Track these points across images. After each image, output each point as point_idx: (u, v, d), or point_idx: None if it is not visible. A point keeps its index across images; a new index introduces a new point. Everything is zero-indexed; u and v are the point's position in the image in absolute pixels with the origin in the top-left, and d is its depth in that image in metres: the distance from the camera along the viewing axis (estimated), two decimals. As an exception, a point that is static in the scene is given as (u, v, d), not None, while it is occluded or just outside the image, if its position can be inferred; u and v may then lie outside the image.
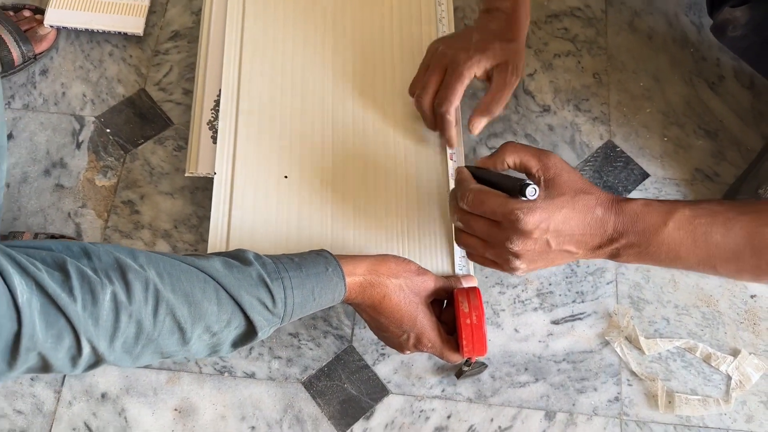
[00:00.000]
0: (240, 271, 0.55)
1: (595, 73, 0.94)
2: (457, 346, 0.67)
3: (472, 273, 0.73)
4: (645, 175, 0.88)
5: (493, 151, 0.64)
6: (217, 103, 0.79)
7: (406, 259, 0.66)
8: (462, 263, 0.73)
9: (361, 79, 0.80)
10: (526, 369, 0.78)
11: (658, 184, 0.88)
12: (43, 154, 0.86)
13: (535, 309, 0.81)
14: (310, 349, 0.77)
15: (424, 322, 0.65)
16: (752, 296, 0.82)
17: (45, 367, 0.47)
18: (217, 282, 0.53)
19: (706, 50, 0.96)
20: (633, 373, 0.78)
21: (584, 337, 0.79)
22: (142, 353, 0.51)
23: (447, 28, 0.85)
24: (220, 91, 0.79)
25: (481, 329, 0.64)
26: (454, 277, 0.71)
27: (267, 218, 0.72)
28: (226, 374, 0.76)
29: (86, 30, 0.91)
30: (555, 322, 0.80)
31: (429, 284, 0.66)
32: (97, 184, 0.84)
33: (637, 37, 0.97)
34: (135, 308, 0.48)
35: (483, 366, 0.75)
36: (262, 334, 0.57)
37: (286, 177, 0.74)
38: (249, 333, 0.56)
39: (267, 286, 0.56)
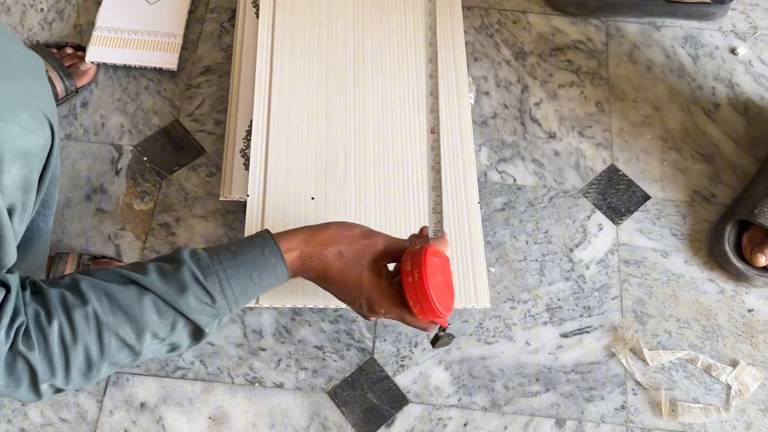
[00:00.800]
0: (173, 276, 0.55)
1: (597, 102, 1.00)
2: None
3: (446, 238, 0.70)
4: (646, 197, 0.94)
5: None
6: (249, 132, 0.85)
7: (349, 223, 0.64)
8: (437, 229, 0.79)
9: (381, 107, 0.87)
10: (537, 379, 0.83)
11: (658, 205, 0.93)
12: (85, 181, 0.92)
13: (545, 323, 0.86)
14: (335, 360, 0.83)
15: (371, 288, 0.62)
16: (749, 310, 0.87)
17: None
18: (153, 293, 0.54)
19: (702, 80, 1.03)
20: (638, 383, 0.82)
21: (591, 349, 0.85)
22: (98, 373, 0.54)
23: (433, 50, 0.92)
24: (251, 121, 0.85)
25: (424, 286, 0.59)
26: (413, 236, 0.68)
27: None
28: (256, 384, 0.81)
29: (124, 65, 0.98)
30: (564, 335, 0.85)
31: (376, 247, 0.63)
32: (135, 208, 0.91)
33: (637, 68, 1.03)
34: (80, 340, 0.52)
35: (450, 337, 0.68)
36: (210, 329, 0.58)
37: (312, 198, 0.80)
38: (197, 331, 0.57)
39: (201, 284, 0.55)
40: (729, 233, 0.88)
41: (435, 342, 0.67)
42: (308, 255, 0.61)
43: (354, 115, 0.86)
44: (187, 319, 0.56)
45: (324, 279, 0.63)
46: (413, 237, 0.67)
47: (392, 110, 0.87)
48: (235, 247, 0.59)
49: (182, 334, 0.57)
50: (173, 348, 0.58)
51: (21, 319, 0.49)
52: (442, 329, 0.66)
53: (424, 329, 0.65)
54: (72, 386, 0.53)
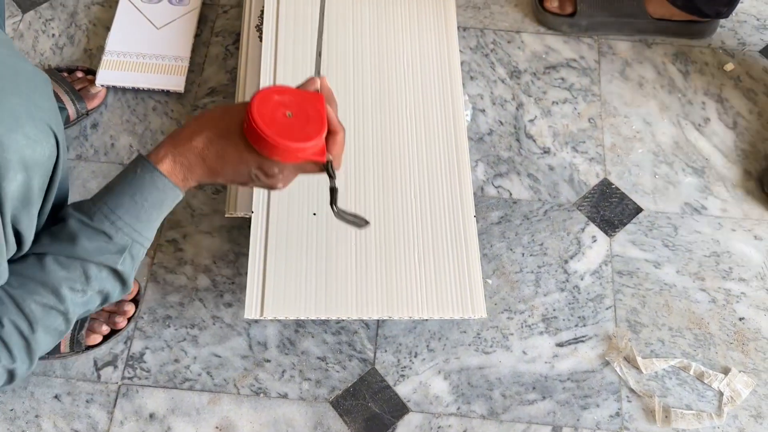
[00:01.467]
0: (61, 231, 0.57)
1: (590, 118, 1.04)
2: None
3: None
4: (638, 210, 0.97)
5: None
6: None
7: (206, 110, 0.64)
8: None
9: (380, 129, 0.90)
10: (533, 388, 0.85)
11: (650, 217, 0.96)
12: (95, 199, 0.96)
13: (541, 333, 0.88)
14: (337, 371, 0.85)
15: (252, 154, 0.60)
16: (741, 319, 0.89)
17: None
18: (49, 255, 0.56)
19: (692, 95, 1.06)
20: (632, 391, 0.85)
21: (586, 357, 0.87)
22: (37, 344, 0.57)
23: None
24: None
25: (252, 125, 0.57)
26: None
27: (298, 251, 0.81)
28: (261, 395, 0.84)
29: (133, 88, 1.02)
30: (559, 345, 0.88)
31: (239, 116, 0.61)
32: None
33: (629, 85, 1.07)
34: (5, 317, 0.55)
35: (362, 220, 0.67)
36: (124, 266, 0.58)
37: (314, 214, 0.83)
38: (113, 272, 0.58)
39: (89, 225, 0.57)
40: None
41: (333, 199, 0.64)
42: (180, 154, 0.60)
43: (354, 135, 0.89)
44: (94, 263, 0.57)
45: (211, 171, 0.61)
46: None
47: (390, 134, 0.90)
48: (111, 182, 0.60)
49: (100, 280, 0.58)
50: (104, 297, 0.59)
51: None
52: (327, 170, 0.63)
53: (312, 172, 0.64)
54: (21, 365, 0.56)
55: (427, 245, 0.83)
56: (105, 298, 0.60)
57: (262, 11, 0.97)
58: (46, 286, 0.56)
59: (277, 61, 0.93)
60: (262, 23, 0.97)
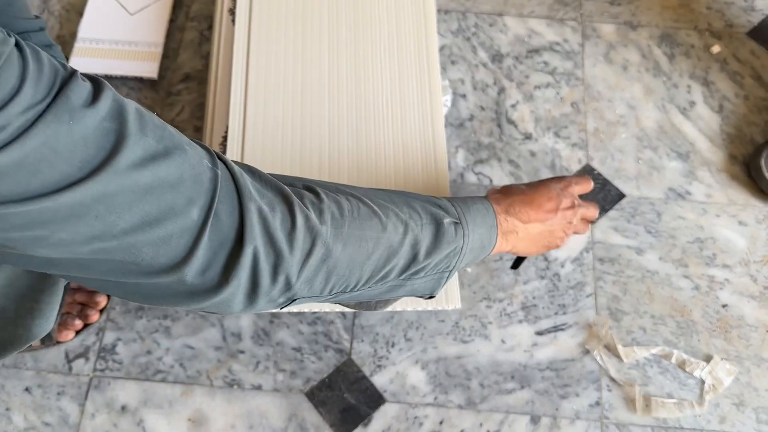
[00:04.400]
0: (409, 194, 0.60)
1: (573, 103, 1.02)
2: None
3: None
4: (621, 196, 0.95)
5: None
6: (225, 138, 0.87)
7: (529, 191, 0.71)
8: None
9: (356, 116, 0.88)
10: (512, 377, 0.84)
11: (633, 203, 0.94)
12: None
13: (521, 321, 0.87)
14: (312, 362, 0.84)
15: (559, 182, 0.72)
16: (724, 306, 0.88)
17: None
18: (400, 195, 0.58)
19: (677, 78, 1.04)
20: (612, 380, 0.83)
21: (566, 346, 0.85)
22: (349, 236, 0.51)
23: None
24: (227, 128, 0.87)
25: None
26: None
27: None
28: (235, 387, 0.82)
29: (105, 75, 1.00)
30: (539, 333, 0.86)
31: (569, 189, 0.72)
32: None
33: (613, 68, 1.04)
34: (327, 200, 0.51)
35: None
36: (449, 227, 0.57)
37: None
38: (437, 229, 0.57)
39: (436, 203, 0.59)
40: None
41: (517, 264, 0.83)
42: (510, 203, 0.66)
43: (328, 125, 0.87)
44: (423, 207, 0.57)
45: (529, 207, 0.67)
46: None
47: (366, 120, 0.88)
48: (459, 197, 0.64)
49: (419, 223, 0.56)
50: (413, 243, 0.55)
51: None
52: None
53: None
54: (325, 235, 0.49)
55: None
56: (414, 245, 0.55)
57: (236, -5, 0.95)
58: (376, 204, 0.54)
59: (251, 46, 0.91)
60: (235, 6, 0.95)
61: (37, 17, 0.74)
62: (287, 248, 0.46)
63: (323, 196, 0.51)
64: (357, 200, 0.53)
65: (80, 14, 1.05)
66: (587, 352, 0.85)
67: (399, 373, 0.84)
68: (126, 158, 0.39)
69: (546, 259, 0.90)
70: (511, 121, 1.00)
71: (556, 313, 0.87)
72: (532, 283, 0.89)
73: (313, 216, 0.48)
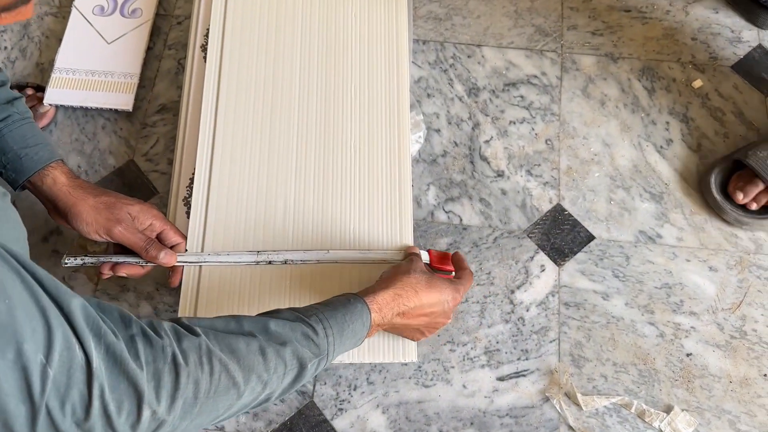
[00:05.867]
0: (276, 316, 0.61)
1: (547, 140, 1.01)
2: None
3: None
4: (590, 238, 0.94)
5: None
6: (192, 180, 0.88)
7: (394, 267, 0.76)
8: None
9: (323, 157, 0.88)
10: (471, 423, 0.85)
11: (602, 246, 0.94)
12: (42, 223, 0.95)
13: (483, 366, 0.87)
14: (275, 404, 0.85)
15: (447, 284, 0.75)
16: (688, 354, 0.88)
17: None
18: (258, 335, 0.58)
19: (656, 114, 1.02)
20: (571, 428, 0.84)
21: (527, 393, 0.86)
22: (200, 413, 0.54)
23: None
24: (194, 170, 0.87)
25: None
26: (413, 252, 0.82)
27: (231, 290, 0.80)
28: (198, 427, 0.84)
29: (81, 107, 1.01)
30: (500, 379, 0.87)
31: (420, 263, 0.77)
32: (89, 249, 0.94)
33: (590, 103, 1.03)
34: (192, 368, 0.53)
35: None
36: (311, 367, 0.61)
37: (249, 251, 0.82)
38: (299, 372, 0.60)
39: (305, 321, 0.61)
40: (721, 169, 0.95)
41: None
42: (398, 294, 0.71)
43: (295, 168, 0.87)
44: (293, 355, 0.59)
45: (413, 310, 0.72)
46: (415, 254, 0.81)
47: (334, 165, 0.88)
48: (324, 300, 0.67)
49: (283, 380, 0.59)
50: (267, 398, 0.59)
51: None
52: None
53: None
54: (170, 420, 0.52)
55: (364, 280, 0.82)
56: (264, 401, 0.60)
57: (208, 30, 0.95)
58: (240, 361, 0.56)
59: (221, 85, 0.91)
60: (207, 43, 0.95)
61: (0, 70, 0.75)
62: None
63: (183, 377, 0.52)
64: (223, 369, 0.55)
65: (59, 40, 1.06)
66: (547, 399, 0.86)
67: (360, 417, 0.85)
68: None
69: (512, 302, 0.91)
70: (484, 158, 1.00)
71: (518, 359, 0.88)
72: (497, 326, 0.89)
73: (161, 408, 0.51)
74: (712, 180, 0.95)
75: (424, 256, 0.82)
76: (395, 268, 0.74)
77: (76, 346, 0.46)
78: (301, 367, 0.60)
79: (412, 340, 0.79)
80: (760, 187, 0.92)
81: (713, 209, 0.95)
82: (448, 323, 0.78)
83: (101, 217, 0.75)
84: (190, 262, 0.80)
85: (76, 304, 0.48)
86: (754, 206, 0.93)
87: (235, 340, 0.57)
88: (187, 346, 0.54)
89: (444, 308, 0.74)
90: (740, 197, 0.92)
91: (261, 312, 0.65)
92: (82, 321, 0.48)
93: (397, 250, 0.83)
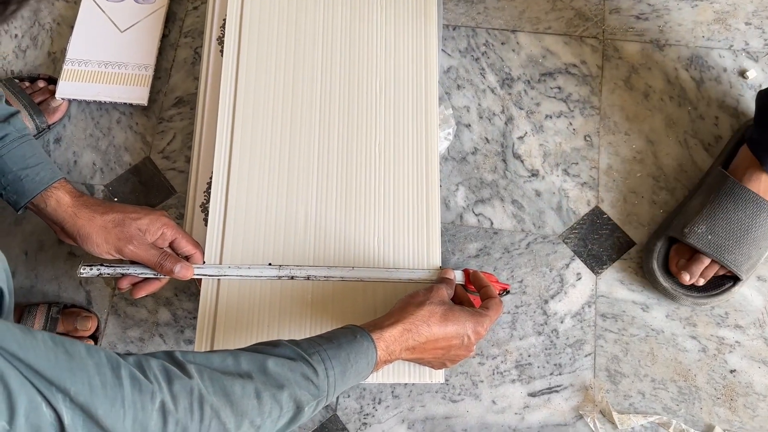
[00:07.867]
0: (276, 354, 0.57)
1: (586, 136, 0.94)
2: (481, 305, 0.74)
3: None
4: (631, 244, 0.89)
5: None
6: (209, 186, 0.83)
7: (410, 295, 0.71)
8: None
9: (346, 163, 0.83)
10: (501, 440, 0.81)
11: (643, 252, 0.88)
12: (58, 223, 0.92)
13: (513, 381, 0.84)
14: (297, 416, 0.83)
15: (468, 316, 0.69)
16: (732, 371, 0.83)
17: None
18: (255, 376, 0.55)
19: (704, 108, 0.95)
20: (605, 448, 0.80)
21: (559, 410, 0.82)
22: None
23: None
24: (212, 174, 0.83)
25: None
26: (447, 278, 0.78)
27: (251, 304, 0.77)
28: (220, 439, 0.82)
29: (95, 101, 0.97)
30: (532, 395, 0.83)
31: (442, 291, 0.71)
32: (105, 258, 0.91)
33: (633, 95, 0.96)
34: (181, 415, 0.50)
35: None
36: (309, 409, 0.57)
37: (270, 264, 0.78)
38: (295, 414, 0.57)
39: (306, 359, 0.57)
40: (659, 250, 0.85)
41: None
42: (407, 329, 0.66)
43: (317, 177, 0.82)
44: (290, 395, 0.56)
45: (425, 344, 0.68)
46: (447, 279, 0.77)
47: (357, 168, 0.83)
48: (327, 334, 0.62)
49: (276, 424, 0.56)
50: None
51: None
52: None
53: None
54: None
55: (389, 298, 0.78)
56: None
57: (225, 22, 0.89)
58: (233, 406, 0.53)
59: (238, 81, 0.86)
60: (224, 35, 0.89)
61: None
62: None
63: (171, 425, 0.49)
64: (214, 415, 0.52)
65: (71, 27, 1.01)
66: (581, 417, 0.82)
67: (384, 432, 0.82)
68: None
69: (545, 313, 0.86)
70: (517, 156, 0.94)
71: (551, 374, 0.84)
72: (529, 339, 0.85)
73: None
74: (655, 266, 0.84)
75: (459, 276, 0.77)
76: (409, 298, 0.70)
77: (43, 405, 0.44)
78: (298, 410, 0.57)
79: (432, 368, 0.75)
80: (706, 262, 0.82)
81: (664, 296, 0.85)
82: (470, 355, 0.73)
83: (111, 237, 0.71)
84: (209, 275, 0.77)
85: (40, 358, 0.45)
86: (701, 282, 0.83)
87: (230, 381, 0.54)
88: (177, 390, 0.51)
89: (464, 342, 0.69)
90: (686, 278, 0.82)
91: (259, 342, 0.61)
92: (48, 376, 0.44)
93: (425, 269, 0.79)
